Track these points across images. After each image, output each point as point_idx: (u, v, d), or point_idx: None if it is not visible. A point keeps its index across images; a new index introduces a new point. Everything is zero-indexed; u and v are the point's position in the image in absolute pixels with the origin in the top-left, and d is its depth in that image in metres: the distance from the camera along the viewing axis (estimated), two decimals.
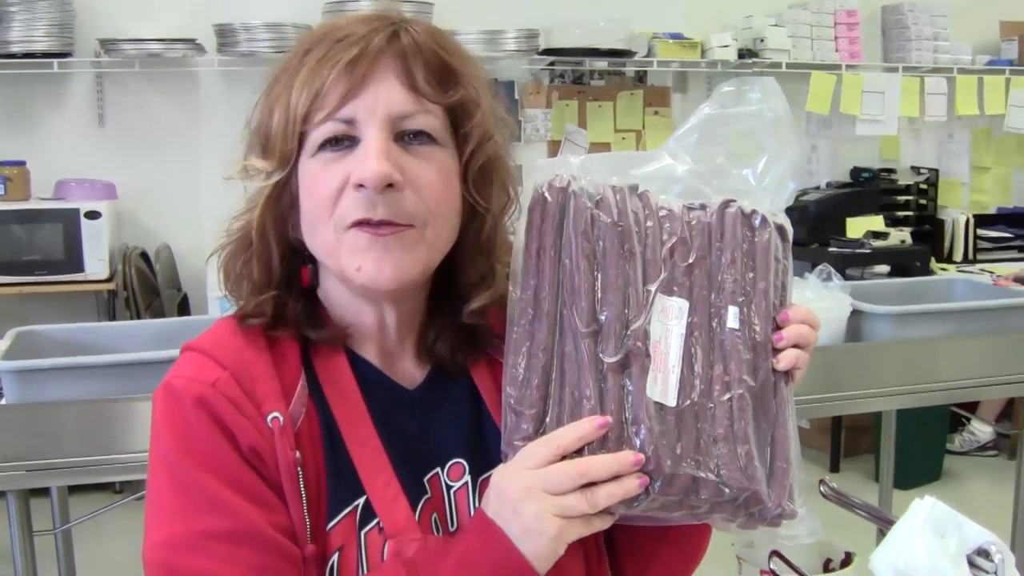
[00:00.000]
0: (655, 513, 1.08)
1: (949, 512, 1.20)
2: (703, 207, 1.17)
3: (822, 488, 1.46)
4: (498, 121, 1.19)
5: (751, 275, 1.14)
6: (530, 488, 1.03)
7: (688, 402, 1.09)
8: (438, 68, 1.13)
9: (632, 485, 1.03)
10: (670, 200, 1.16)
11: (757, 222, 1.16)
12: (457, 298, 1.21)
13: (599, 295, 1.09)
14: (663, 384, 1.08)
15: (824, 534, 1.17)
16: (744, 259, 1.14)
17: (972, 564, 1.17)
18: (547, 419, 1.08)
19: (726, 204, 1.16)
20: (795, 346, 1.14)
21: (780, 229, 1.18)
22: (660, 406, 1.08)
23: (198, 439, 1.08)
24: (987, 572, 1.17)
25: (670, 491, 1.06)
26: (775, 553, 1.53)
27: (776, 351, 1.13)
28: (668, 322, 1.11)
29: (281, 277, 1.17)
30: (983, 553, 1.18)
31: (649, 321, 1.09)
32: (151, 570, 1.06)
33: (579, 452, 1.04)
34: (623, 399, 1.07)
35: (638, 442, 1.05)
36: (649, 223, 1.13)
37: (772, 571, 1.54)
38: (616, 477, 1.03)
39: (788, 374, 1.14)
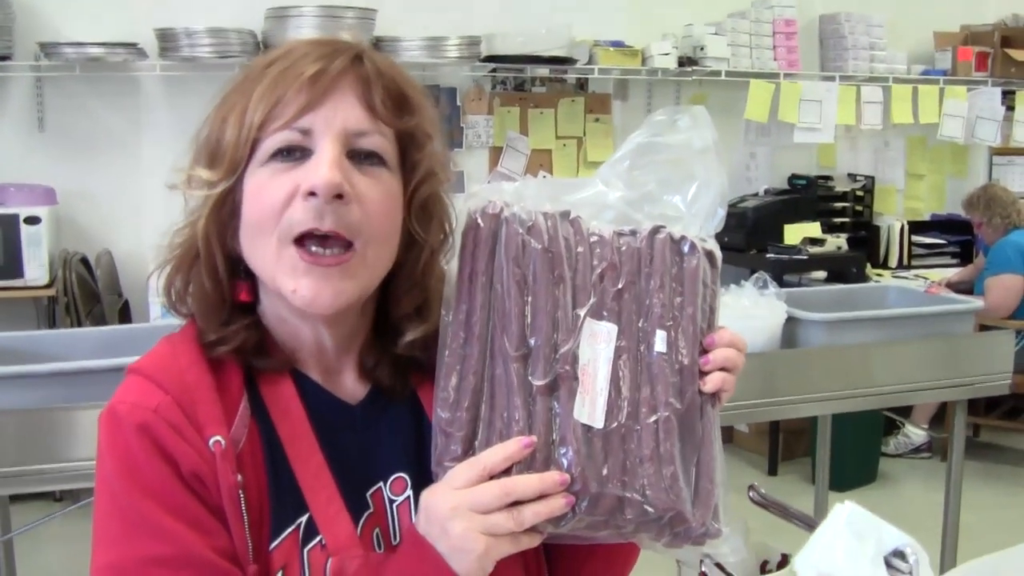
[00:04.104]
0: (582, 532, 1.10)
1: (867, 516, 1.24)
2: (633, 233, 1.18)
3: (751, 494, 1.49)
4: (445, 161, 1.22)
5: (679, 300, 1.16)
6: (457, 507, 1.04)
7: (615, 424, 1.10)
8: (396, 95, 1.15)
9: (558, 504, 1.06)
10: (601, 226, 1.18)
11: (686, 248, 1.18)
12: (392, 329, 1.22)
13: (529, 320, 1.10)
14: (591, 407, 1.10)
15: (761, 536, 1.20)
16: (672, 284, 1.16)
17: (889, 565, 1.22)
18: (476, 441, 1.10)
19: (656, 230, 1.18)
20: (722, 369, 1.16)
21: (709, 255, 1.19)
22: (587, 428, 1.09)
23: (140, 465, 1.08)
24: (903, 572, 1.21)
25: (596, 511, 1.08)
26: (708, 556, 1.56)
27: (703, 374, 1.15)
28: (597, 346, 1.12)
29: (228, 290, 1.17)
30: (899, 554, 1.22)
31: (578, 345, 1.11)
32: None
33: (507, 472, 1.06)
34: (551, 421, 1.09)
35: (565, 463, 1.07)
36: (580, 248, 1.14)
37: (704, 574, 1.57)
38: (543, 497, 1.05)
39: (715, 396, 1.16)
